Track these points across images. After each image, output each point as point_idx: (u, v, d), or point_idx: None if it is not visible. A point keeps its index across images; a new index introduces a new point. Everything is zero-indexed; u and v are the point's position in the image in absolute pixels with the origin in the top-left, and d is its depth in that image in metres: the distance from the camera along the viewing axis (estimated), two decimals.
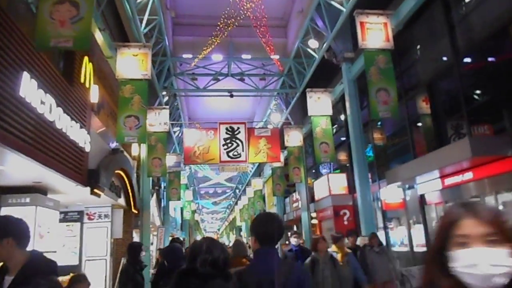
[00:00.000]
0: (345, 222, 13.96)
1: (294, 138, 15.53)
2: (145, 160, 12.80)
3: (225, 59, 14.54)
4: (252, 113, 21.42)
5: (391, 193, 10.36)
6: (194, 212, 39.60)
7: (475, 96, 8.18)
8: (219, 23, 12.70)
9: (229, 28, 14.07)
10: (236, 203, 45.06)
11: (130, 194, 12.48)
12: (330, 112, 11.93)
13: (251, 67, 15.09)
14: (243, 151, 13.85)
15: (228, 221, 65.30)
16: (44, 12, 5.06)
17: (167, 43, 13.05)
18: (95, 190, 8.59)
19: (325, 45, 11.64)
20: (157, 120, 12.96)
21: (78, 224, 11.48)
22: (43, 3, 5.12)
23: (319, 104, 12.02)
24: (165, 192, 20.81)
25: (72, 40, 5.04)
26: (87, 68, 8.37)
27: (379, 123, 11.92)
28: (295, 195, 19.75)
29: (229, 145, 13.85)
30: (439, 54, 8.76)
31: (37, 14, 5.15)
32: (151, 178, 14.34)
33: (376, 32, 8.09)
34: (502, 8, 6.83)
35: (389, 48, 8.02)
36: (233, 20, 14.50)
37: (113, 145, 11.09)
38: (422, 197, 9.67)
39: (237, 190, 46.54)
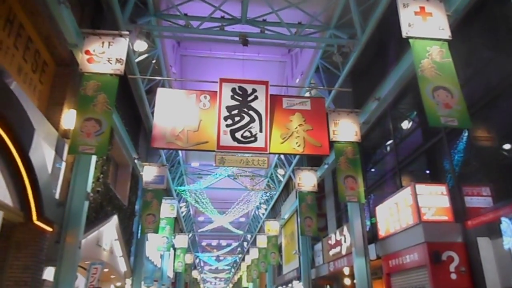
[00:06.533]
0: (453, 276, 7.23)
1: (346, 129, 9.23)
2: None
3: None
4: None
5: None
6: (190, 266, 32.10)
7: None
8: None
9: None
10: (243, 259, 37.33)
11: (28, 184, 6.14)
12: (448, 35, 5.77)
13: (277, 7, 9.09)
14: (261, 131, 7.44)
15: (232, 282, 56.89)
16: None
17: None
18: None
19: None
20: (106, 54, 6.95)
21: None
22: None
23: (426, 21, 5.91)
24: (139, 219, 14.24)
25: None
26: None
27: None
28: (335, 236, 12.90)
29: (236, 119, 7.48)
30: None
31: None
32: (91, 172, 7.98)
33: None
34: None
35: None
36: None
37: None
38: None
39: (245, 243, 39.04)
